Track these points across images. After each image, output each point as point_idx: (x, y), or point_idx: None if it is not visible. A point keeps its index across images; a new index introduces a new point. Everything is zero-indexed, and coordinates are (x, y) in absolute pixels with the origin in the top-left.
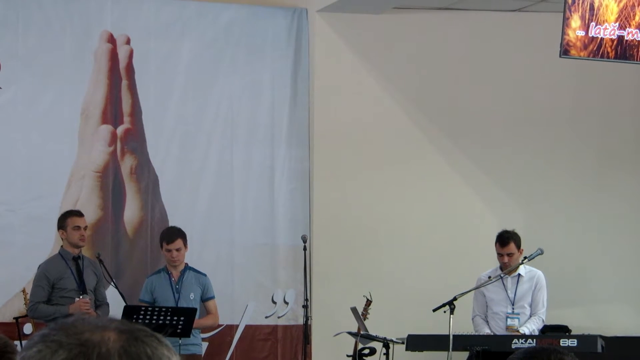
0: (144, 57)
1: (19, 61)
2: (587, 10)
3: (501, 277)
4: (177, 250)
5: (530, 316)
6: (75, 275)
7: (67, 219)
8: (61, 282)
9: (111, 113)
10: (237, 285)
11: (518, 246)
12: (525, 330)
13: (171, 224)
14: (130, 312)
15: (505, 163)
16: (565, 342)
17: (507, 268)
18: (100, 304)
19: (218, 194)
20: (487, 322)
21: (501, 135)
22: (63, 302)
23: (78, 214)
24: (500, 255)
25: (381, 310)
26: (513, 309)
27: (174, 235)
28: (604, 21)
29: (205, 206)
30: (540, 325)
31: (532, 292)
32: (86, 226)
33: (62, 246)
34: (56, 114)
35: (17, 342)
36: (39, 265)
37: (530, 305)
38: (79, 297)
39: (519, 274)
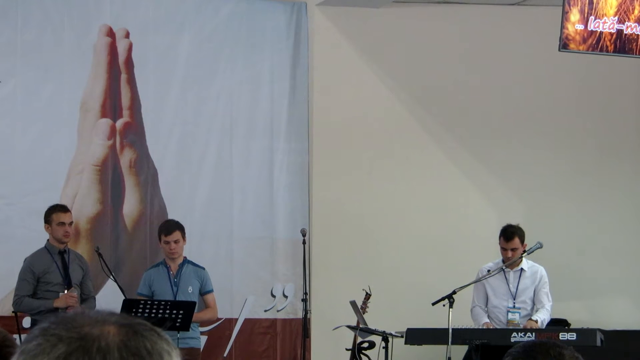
0: (143, 50)
1: (18, 55)
2: (586, 4)
3: (503, 270)
4: (175, 242)
5: (532, 310)
6: (61, 269)
7: (52, 214)
8: (46, 276)
9: (110, 107)
10: (236, 279)
11: (522, 241)
12: (537, 318)
13: (170, 217)
14: (129, 305)
15: (505, 156)
16: (564, 336)
17: (509, 262)
18: (86, 297)
19: (217, 187)
20: (486, 312)
21: (501, 128)
22: (48, 296)
23: (63, 209)
24: (504, 249)
25: (380, 304)
26: (514, 303)
27: (172, 227)
28: (603, 15)
29: (204, 200)
30: (549, 318)
31: (534, 288)
32: (71, 222)
33: (48, 240)
34: (55, 107)
35: (16, 336)
36: (25, 259)
37: (533, 301)
38: (64, 291)
39: (522, 269)
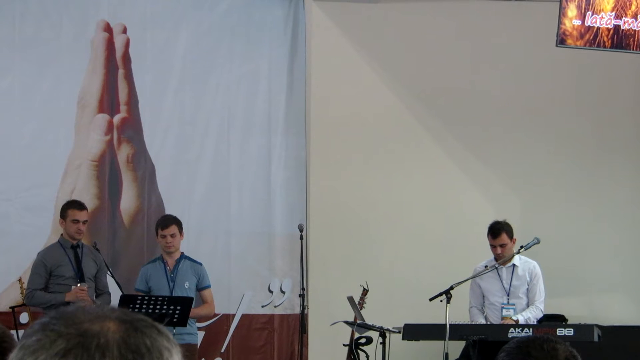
0: (141, 46)
1: (15, 50)
2: (584, 0)
3: (496, 268)
4: (172, 236)
5: (528, 306)
6: (73, 263)
7: (67, 210)
8: (58, 269)
9: (108, 102)
10: (234, 274)
11: (510, 236)
12: (520, 318)
13: (168, 212)
14: (126, 301)
15: (503, 152)
16: (561, 332)
17: (500, 259)
18: (101, 292)
19: (215, 182)
20: (483, 312)
21: (498, 124)
22: (60, 290)
23: (79, 207)
24: (493, 246)
25: (378, 300)
26: (508, 299)
27: (168, 221)
28: (600, 10)
29: (201, 195)
30: (539, 315)
31: (527, 283)
32: (86, 220)
33: (61, 234)
34: (53, 103)
35: (13, 332)
36: (38, 253)
37: (527, 296)
38: (77, 285)
39: (514, 264)
